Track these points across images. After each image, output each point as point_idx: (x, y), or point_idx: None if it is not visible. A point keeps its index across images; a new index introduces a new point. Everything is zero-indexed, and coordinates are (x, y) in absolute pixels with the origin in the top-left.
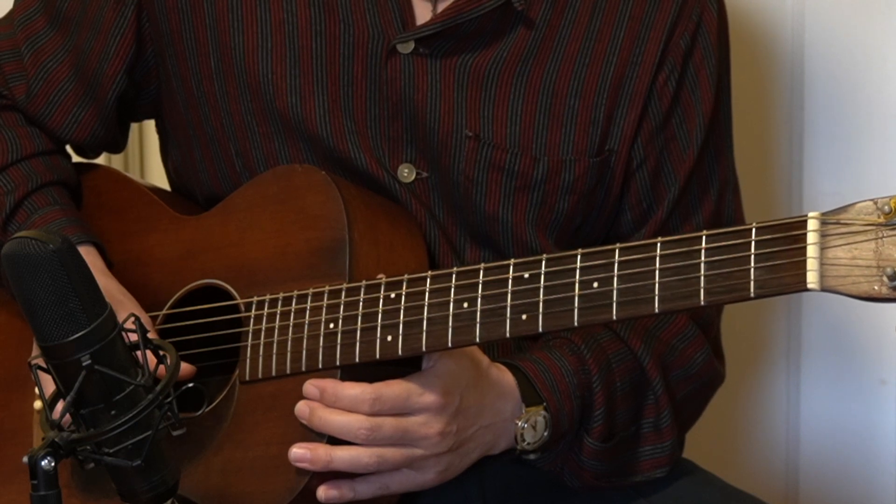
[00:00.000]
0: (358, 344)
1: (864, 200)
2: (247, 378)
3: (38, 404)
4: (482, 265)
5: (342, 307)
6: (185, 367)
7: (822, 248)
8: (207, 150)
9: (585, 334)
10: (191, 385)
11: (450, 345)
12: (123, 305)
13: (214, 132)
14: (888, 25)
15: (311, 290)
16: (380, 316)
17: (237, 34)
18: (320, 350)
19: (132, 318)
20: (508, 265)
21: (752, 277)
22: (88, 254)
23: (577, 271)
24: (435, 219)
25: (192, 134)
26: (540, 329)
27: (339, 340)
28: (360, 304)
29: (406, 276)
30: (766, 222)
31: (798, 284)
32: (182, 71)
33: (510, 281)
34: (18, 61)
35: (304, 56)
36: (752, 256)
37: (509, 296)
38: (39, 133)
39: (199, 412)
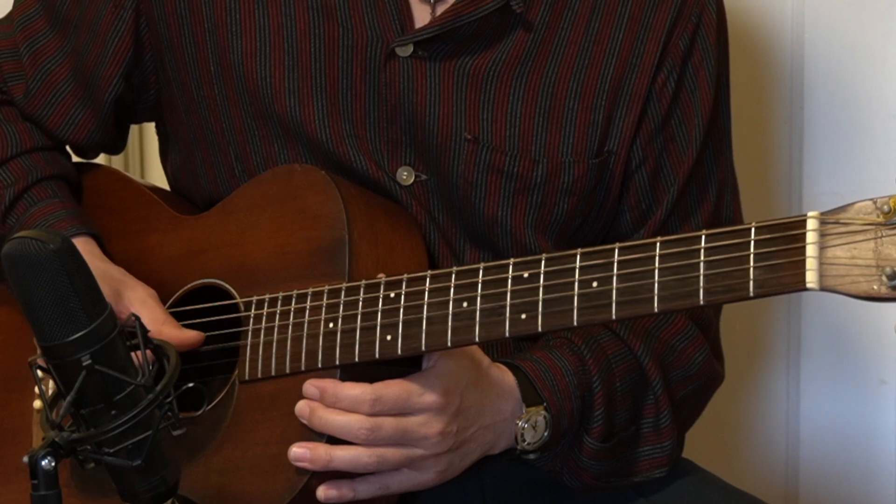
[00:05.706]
0: (357, 343)
1: (864, 200)
2: (246, 378)
3: (38, 404)
4: (481, 264)
5: (341, 307)
6: (194, 336)
7: (822, 247)
8: (207, 154)
9: (585, 334)
10: (191, 385)
11: (449, 344)
12: (126, 284)
13: (214, 136)
14: (888, 25)
15: (310, 290)
16: (379, 315)
17: (236, 39)
18: (320, 350)
19: (132, 318)
20: (508, 265)
21: (752, 277)
22: (86, 244)
23: (577, 271)
24: (434, 221)
25: (193, 138)
26: (539, 328)
27: (338, 340)
28: (360, 303)
29: (405, 276)
30: (765, 222)
31: (797, 284)
32: (181, 76)
33: (509, 280)
34: (17, 61)
35: (302, 60)
36: (752, 256)
37: (509, 295)
38: (38, 129)
39: (199, 412)
